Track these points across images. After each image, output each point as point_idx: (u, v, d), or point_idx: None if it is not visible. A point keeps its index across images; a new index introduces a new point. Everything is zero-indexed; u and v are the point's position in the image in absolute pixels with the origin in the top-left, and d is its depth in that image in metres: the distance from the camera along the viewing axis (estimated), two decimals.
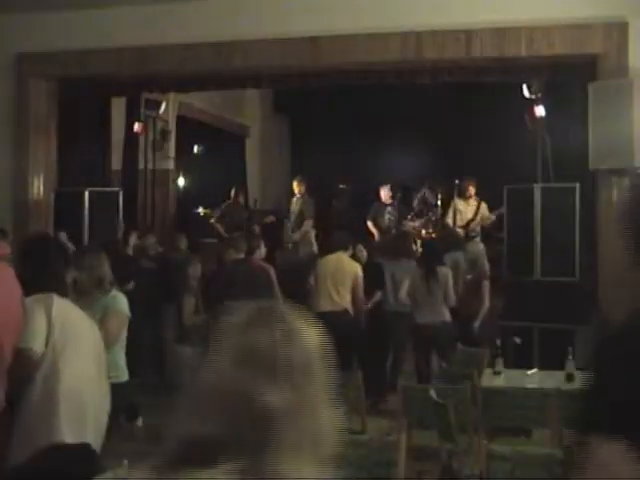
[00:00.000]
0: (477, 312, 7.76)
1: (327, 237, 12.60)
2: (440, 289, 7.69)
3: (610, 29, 7.81)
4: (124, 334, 5.34)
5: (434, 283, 7.69)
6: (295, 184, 11.51)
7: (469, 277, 7.95)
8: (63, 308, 3.95)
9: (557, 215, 8.19)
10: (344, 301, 7.88)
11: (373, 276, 8.26)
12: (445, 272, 7.81)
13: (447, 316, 7.72)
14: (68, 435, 3.76)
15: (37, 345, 3.77)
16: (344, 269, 7.98)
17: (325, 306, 7.85)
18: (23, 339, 3.78)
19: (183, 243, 9.34)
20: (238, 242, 7.37)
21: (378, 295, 8.24)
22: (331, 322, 7.27)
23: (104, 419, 4.03)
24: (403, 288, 7.88)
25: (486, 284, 7.84)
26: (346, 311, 7.88)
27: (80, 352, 3.91)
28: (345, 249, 8.18)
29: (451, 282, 7.81)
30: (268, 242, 9.48)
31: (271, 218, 12.37)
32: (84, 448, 3.82)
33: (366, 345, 8.10)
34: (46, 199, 9.62)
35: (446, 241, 9.00)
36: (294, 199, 11.62)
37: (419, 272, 7.80)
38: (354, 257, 8.44)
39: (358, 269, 7.99)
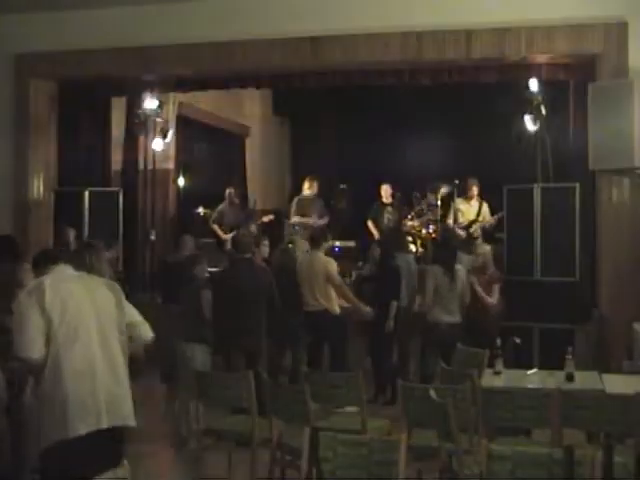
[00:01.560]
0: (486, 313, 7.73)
1: None
2: (457, 288, 7.69)
3: (610, 29, 7.82)
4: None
5: (452, 282, 7.67)
6: (307, 183, 11.26)
7: (478, 280, 7.87)
8: (58, 290, 3.89)
9: (557, 215, 8.19)
10: (321, 301, 7.85)
11: (388, 279, 8.14)
12: (462, 271, 7.78)
13: (459, 316, 7.73)
14: (81, 426, 3.75)
15: (35, 352, 3.77)
16: (315, 269, 7.93)
17: (307, 306, 7.93)
18: (21, 347, 3.78)
19: (188, 248, 9.21)
20: (240, 242, 7.33)
21: (394, 307, 8.05)
22: (312, 322, 7.26)
23: (122, 396, 3.96)
24: (429, 293, 7.78)
25: (496, 288, 7.79)
26: (326, 311, 7.83)
27: (82, 335, 3.87)
28: (318, 247, 8.15)
29: (466, 282, 7.78)
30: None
31: (269, 217, 12.33)
32: (100, 434, 3.80)
33: (344, 344, 8.09)
34: (46, 199, 9.63)
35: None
36: (301, 199, 11.33)
37: (440, 271, 7.74)
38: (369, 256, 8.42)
39: (328, 266, 7.90)
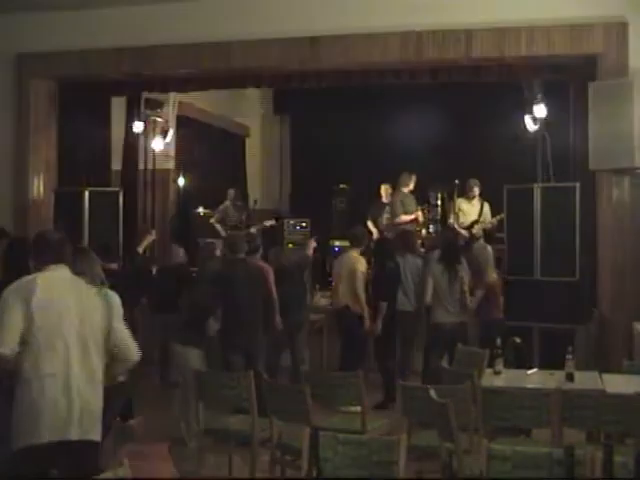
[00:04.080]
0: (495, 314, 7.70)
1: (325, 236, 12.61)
2: (460, 288, 7.68)
3: (610, 29, 7.81)
4: None
5: (455, 282, 7.64)
6: (406, 179, 10.92)
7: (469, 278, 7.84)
8: (47, 293, 3.86)
9: (557, 215, 8.19)
10: (343, 298, 7.94)
11: (384, 280, 8.05)
12: (464, 271, 7.75)
13: (463, 316, 7.72)
14: (48, 434, 3.74)
15: (7, 348, 3.75)
16: (345, 266, 8.03)
17: (335, 303, 8.12)
18: None
19: (180, 256, 9.18)
20: (236, 242, 7.32)
21: (383, 307, 7.92)
22: (337, 318, 7.34)
23: (96, 411, 3.93)
24: (428, 292, 7.74)
25: (479, 293, 7.71)
26: (347, 307, 7.91)
27: (60, 344, 3.84)
28: (357, 245, 8.17)
29: (468, 282, 7.76)
30: (268, 243, 9.47)
31: (271, 222, 12.30)
32: (65, 445, 3.78)
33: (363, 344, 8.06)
34: (46, 199, 9.62)
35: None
36: (401, 193, 10.95)
37: (440, 271, 7.71)
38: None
39: (357, 266, 7.92)
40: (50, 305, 3.86)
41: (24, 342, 3.78)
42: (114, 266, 7.95)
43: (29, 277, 3.94)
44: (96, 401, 3.94)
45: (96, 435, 3.93)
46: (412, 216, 10.90)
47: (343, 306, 7.94)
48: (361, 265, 7.96)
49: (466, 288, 7.71)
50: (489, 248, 8.12)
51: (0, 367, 3.80)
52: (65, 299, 3.94)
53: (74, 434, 3.80)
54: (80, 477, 3.35)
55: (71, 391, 3.82)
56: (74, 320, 3.91)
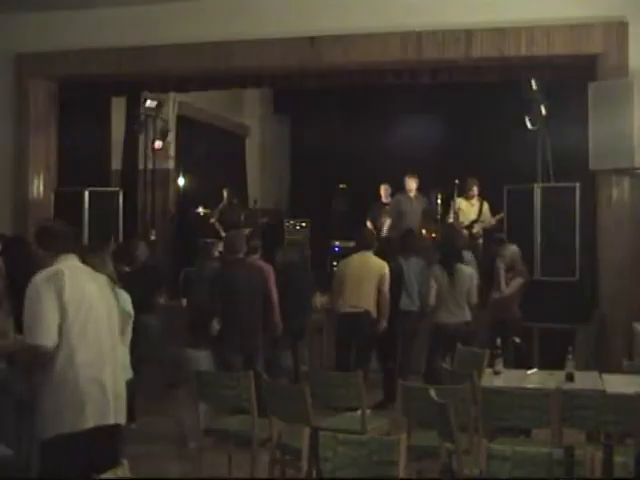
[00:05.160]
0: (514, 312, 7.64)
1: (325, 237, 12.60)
2: (463, 288, 7.63)
3: (610, 29, 7.82)
4: (128, 333, 5.33)
5: (456, 282, 7.60)
6: (405, 182, 10.90)
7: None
8: (76, 283, 3.92)
9: (557, 215, 8.19)
10: (365, 302, 7.65)
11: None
12: (467, 271, 7.69)
13: (469, 316, 7.64)
14: (90, 420, 3.87)
15: (50, 340, 3.79)
16: (368, 269, 7.75)
17: (346, 307, 7.72)
18: (35, 334, 3.79)
19: (143, 254, 8.98)
20: (234, 242, 7.29)
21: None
22: (351, 323, 7.00)
23: (123, 393, 4.12)
24: (431, 293, 7.66)
25: (519, 280, 7.64)
26: (367, 312, 7.64)
27: (94, 328, 3.95)
28: (369, 247, 7.97)
29: (475, 281, 7.70)
30: (266, 242, 9.45)
31: (265, 219, 12.26)
32: (103, 431, 3.92)
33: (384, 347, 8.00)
34: (46, 199, 9.63)
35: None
36: (403, 197, 10.94)
37: (441, 271, 7.65)
38: None
39: (384, 268, 7.72)
40: (82, 297, 3.93)
41: (59, 334, 3.84)
42: (127, 269, 7.85)
43: (54, 268, 3.95)
44: (123, 386, 4.15)
45: (124, 419, 4.16)
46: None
47: (364, 311, 7.64)
48: (386, 268, 7.76)
49: (474, 290, 7.68)
50: (515, 247, 8.11)
51: (40, 363, 3.87)
52: (91, 290, 4.02)
53: (112, 418, 3.98)
54: (108, 459, 3.47)
55: (105, 380, 3.95)
56: (102, 310, 4.04)
